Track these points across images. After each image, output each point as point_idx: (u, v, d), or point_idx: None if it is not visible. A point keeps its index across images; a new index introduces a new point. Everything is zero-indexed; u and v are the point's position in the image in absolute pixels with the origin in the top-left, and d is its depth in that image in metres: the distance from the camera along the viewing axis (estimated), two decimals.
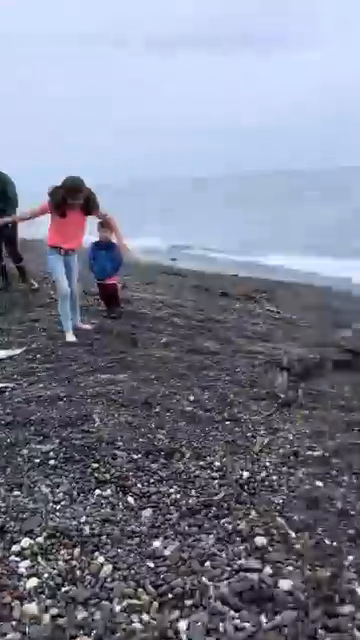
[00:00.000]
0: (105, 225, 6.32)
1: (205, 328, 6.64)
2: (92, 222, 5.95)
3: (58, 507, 2.75)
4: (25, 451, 3.27)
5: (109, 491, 2.88)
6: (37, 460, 3.18)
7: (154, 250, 21.91)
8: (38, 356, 5.03)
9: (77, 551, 2.38)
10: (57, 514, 2.68)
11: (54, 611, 2.05)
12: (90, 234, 6.25)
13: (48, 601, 2.11)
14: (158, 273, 13.64)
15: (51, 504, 2.78)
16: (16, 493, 2.89)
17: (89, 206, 5.44)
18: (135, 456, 3.18)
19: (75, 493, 2.89)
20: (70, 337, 5.44)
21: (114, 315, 6.50)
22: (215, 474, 3.01)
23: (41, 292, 7.98)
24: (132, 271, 11.16)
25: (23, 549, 2.41)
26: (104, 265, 6.27)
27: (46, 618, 2.01)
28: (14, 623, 2.01)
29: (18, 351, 5.21)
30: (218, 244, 23.14)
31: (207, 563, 2.28)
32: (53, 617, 2.02)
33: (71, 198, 5.25)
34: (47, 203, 5.35)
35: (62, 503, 2.79)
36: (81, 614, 2.03)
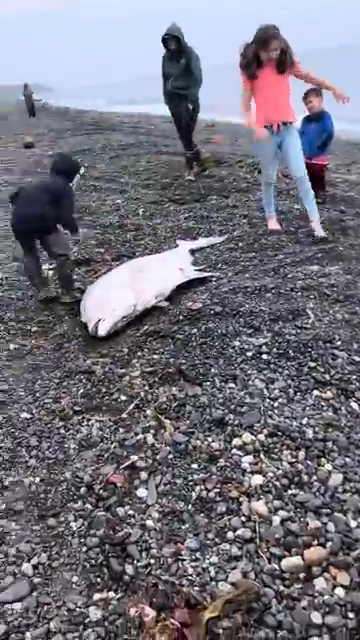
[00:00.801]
0: (310, 94, 5.54)
1: None
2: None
3: (275, 404, 2.63)
4: (237, 343, 3.18)
5: (329, 393, 2.65)
6: (249, 353, 3.07)
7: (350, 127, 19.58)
8: (240, 244, 4.84)
9: (301, 454, 2.25)
10: (275, 412, 2.57)
11: (283, 514, 1.97)
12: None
13: (276, 502, 2.03)
14: None
15: (268, 400, 2.67)
16: (231, 385, 2.84)
17: (285, 61, 4.42)
18: (357, 358, 2.87)
19: (292, 391, 2.73)
20: (273, 224, 5.08)
21: (319, 200, 5.89)
22: None
23: (238, 176, 7.62)
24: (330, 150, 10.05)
25: (245, 444, 2.36)
26: (312, 139, 5.57)
27: (276, 520, 1.95)
28: (243, 519, 1.99)
29: (220, 239, 5.07)
30: None
31: None
32: (283, 520, 1.94)
33: (265, 51, 4.37)
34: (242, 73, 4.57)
35: (279, 401, 2.66)
36: (313, 522, 1.91)
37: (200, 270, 4.37)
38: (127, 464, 2.33)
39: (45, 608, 1.74)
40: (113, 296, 3.74)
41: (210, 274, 4.24)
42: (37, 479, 2.35)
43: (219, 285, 4.01)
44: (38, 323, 3.86)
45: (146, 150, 11.02)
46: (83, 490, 2.25)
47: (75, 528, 2.07)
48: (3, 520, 2.14)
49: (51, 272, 4.70)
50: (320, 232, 4.79)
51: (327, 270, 4.00)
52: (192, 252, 4.88)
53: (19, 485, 2.33)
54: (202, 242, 5.07)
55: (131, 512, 2.11)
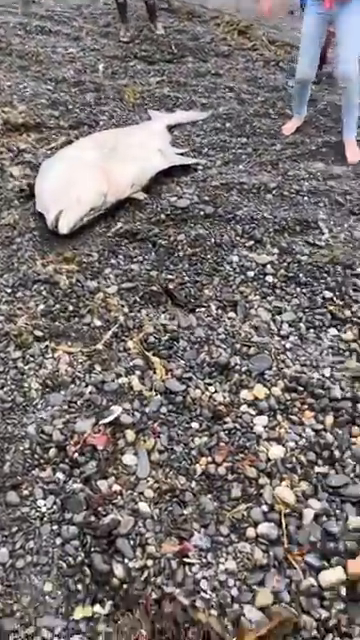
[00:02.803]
0: None
1: None
2: None
3: (287, 345, 2.16)
4: (234, 258, 2.61)
5: (350, 334, 2.20)
6: (251, 273, 2.52)
7: None
8: (228, 125, 4.03)
9: (329, 419, 1.83)
10: (289, 355, 2.10)
11: (316, 505, 1.57)
12: None
13: (304, 485, 1.63)
14: None
15: (277, 339, 2.20)
16: (231, 315, 2.33)
17: None
18: None
19: (303, 327, 2.26)
20: (290, 126, 3.85)
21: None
22: None
23: (216, 36, 6.44)
24: None
25: (257, 399, 1.90)
26: None
27: (308, 514, 1.54)
28: (265, 508, 1.57)
29: (203, 115, 4.21)
30: None
31: None
32: (317, 515, 1.54)
33: None
34: None
35: (290, 340, 2.20)
36: (355, 520, 1.53)
37: (183, 154, 3.60)
38: (109, 419, 1.81)
39: None
40: (77, 180, 2.95)
41: (195, 160, 3.50)
42: None
43: (207, 177, 3.30)
44: None
45: None
46: (52, 452, 1.74)
47: (45, 509, 1.59)
48: None
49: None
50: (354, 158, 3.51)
51: (334, 171, 3.37)
52: (169, 128, 4.03)
53: None
54: (181, 116, 4.20)
55: (117, 487, 1.64)
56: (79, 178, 2.96)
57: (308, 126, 3.97)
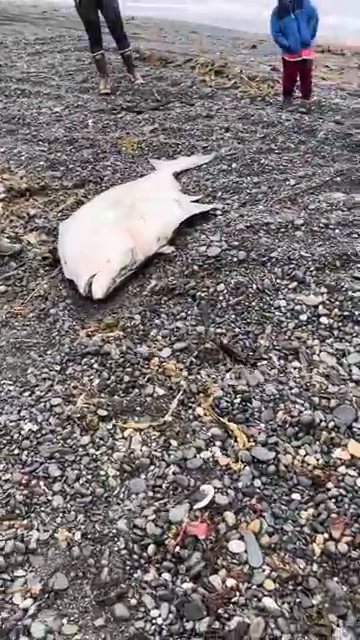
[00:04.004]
0: None
1: None
2: None
3: None
4: (281, 302, 2.51)
5: None
6: (303, 316, 2.42)
7: None
8: (235, 166, 4.00)
9: None
10: None
11: None
12: None
13: None
14: None
15: (351, 384, 2.08)
16: (295, 364, 2.21)
17: None
18: None
19: None
20: None
21: (303, 109, 5.08)
22: None
23: (195, 79, 6.53)
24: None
25: (354, 457, 1.77)
26: (298, 31, 4.53)
27: None
28: None
29: (206, 158, 4.18)
30: None
31: None
32: None
33: None
34: None
35: None
36: None
37: (197, 201, 3.54)
38: (204, 503, 1.66)
39: None
40: (103, 242, 2.86)
41: (213, 206, 3.43)
42: (77, 534, 1.64)
43: (229, 221, 3.23)
44: (6, 280, 2.93)
45: (71, 45, 9.37)
46: (151, 549, 1.58)
47: (161, 620, 1.42)
48: (45, 612, 1.44)
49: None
50: None
51: (356, 199, 3.32)
52: (175, 176, 3.99)
53: (52, 545, 1.62)
54: (185, 162, 4.16)
55: (232, 582, 1.48)
56: (104, 240, 2.87)
57: (315, 157, 3.96)
